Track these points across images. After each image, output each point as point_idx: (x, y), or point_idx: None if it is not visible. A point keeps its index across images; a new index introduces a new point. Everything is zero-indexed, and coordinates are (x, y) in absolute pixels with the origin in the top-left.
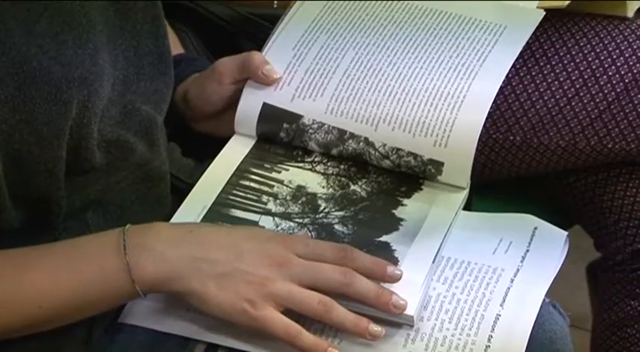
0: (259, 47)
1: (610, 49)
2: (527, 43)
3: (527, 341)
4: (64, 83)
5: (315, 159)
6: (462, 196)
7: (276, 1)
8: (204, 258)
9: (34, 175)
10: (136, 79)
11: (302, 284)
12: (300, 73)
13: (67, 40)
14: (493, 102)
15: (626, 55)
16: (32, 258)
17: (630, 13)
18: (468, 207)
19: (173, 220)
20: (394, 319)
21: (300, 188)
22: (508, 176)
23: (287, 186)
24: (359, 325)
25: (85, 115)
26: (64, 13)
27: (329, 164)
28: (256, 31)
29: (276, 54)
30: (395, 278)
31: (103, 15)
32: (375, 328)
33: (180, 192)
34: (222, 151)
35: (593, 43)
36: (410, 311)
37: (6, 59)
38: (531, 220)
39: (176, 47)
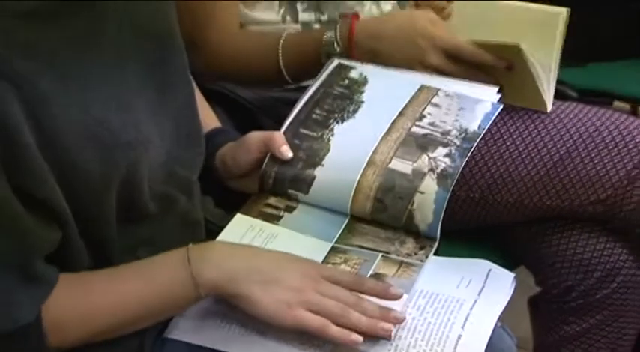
0: (275, 122)
1: (549, 127)
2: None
3: None
4: (113, 148)
5: None
6: (434, 244)
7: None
8: (252, 268)
9: (92, 221)
10: (176, 149)
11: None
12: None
13: (111, 107)
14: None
15: (562, 132)
16: (108, 277)
17: (549, 108)
18: (437, 251)
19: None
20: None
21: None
22: (468, 226)
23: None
24: (372, 324)
25: (136, 176)
26: (110, 81)
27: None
28: (274, 109)
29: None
30: (397, 296)
31: (142, 87)
32: (388, 325)
33: (213, 234)
34: (247, 202)
35: (537, 122)
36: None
37: (67, 128)
38: (486, 264)
39: (214, 121)
